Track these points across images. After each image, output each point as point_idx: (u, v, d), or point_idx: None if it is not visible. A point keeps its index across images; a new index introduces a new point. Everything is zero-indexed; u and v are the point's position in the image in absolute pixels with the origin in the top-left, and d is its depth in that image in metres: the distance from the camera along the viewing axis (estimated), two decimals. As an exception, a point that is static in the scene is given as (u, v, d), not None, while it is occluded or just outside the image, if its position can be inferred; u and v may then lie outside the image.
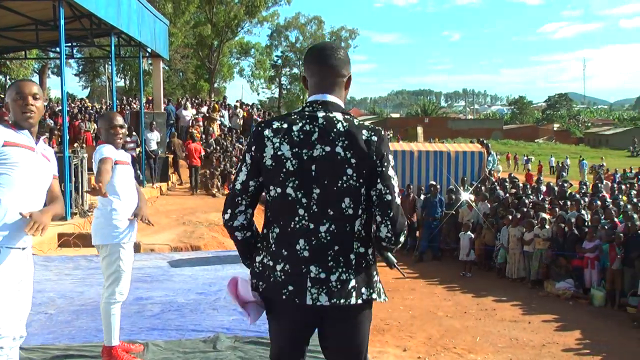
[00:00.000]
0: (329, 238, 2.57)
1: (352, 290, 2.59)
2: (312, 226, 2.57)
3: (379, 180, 2.60)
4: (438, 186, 17.23)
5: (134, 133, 17.69)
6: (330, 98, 2.70)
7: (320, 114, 2.64)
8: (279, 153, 2.57)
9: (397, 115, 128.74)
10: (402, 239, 2.71)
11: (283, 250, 2.61)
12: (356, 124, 2.66)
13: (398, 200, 2.65)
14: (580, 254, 13.23)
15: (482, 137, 29.85)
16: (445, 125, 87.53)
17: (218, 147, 23.76)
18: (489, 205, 16.37)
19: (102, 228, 4.62)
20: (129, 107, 26.36)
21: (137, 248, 10.17)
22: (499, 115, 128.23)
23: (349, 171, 2.55)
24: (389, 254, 2.83)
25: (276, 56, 69.92)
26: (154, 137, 18.60)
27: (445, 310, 12.21)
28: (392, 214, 2.61)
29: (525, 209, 15.07)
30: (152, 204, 16.23)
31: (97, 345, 4.79)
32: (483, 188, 17.80)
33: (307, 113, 2.65)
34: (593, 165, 39.25)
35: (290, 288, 2.57)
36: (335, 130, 2.60)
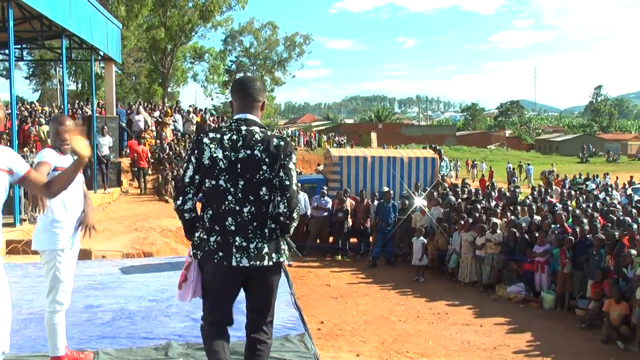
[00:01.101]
0: (250, 217, 3.61)
1: (265, 255, 3.62)
2: (237, 208, 3.60)
3: (282, 170, 3.64)
4: (392, 192, 17.34)
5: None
6: (249, 116, 3.75)
7: (243, 128, 3.68)
8: (214, 155, 3.59)
9: (351, 121, 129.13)
10: (295, 215, 3.71)
11: (215, 226, 3.62)
12: (269, 134, 3.70)
13: (294, 186, 3.70)
14: (531, 258, 13.46)
15: (435, 143, 30.09)
16: (399, 131, 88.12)
17: (171, 153, 23.56)
18: (442, 210, 16.53)
19: (40, 233, 4.56)
20: (80, 111, 25.97)
21: (88, 255, 10.04)
22: (452, 121, 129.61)
23: (265, 167, 3.60)
24: (288, 239, 3.84)
25: (230, 61, 69.64)
26: (105, 142, 18.35)
27: (398, 314, 12.28)
28: (288, 195, 3.65)
29: (477, 214, 15.27)
30: (103, 209, 16.04)
31: (45, 355, 4.72)
32: (436, 193, 17.96)
33: (234, 127, 3.71)
34: (543, 171, 39.87)
35: (220, 254, 3.58)
36: (254, 139, 3.64)
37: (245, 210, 3.59)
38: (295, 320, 5.79)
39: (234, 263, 3.55)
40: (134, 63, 49.91)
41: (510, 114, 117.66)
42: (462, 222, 14.88)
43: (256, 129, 3.69)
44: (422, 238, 15.41)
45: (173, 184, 19.83)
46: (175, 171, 20.88)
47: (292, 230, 3.78)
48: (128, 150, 22.82)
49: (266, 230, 3.64)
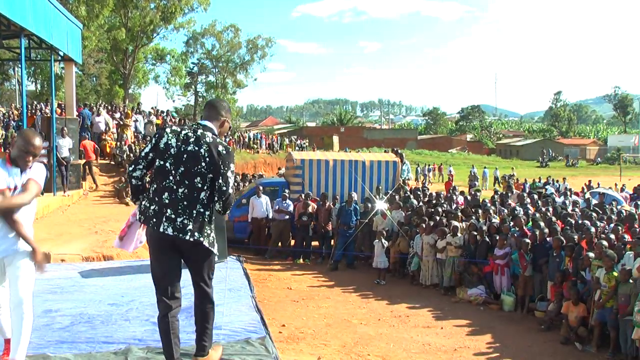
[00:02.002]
0: (182, 197, 4.46)
1: (189, 230, 4.42)
2: (174, 187, 4.47)
3: (221, 177, 4.48)
4: (354, 194, 17.40)
5: (45, 140, 17.19)
6: (209, 124, 4.65)
7: (199, 130, 4.58)
8: (169, 142, 4.52)
9: (313, 124, 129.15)
10: (227, 211, 4.71)
11: (156, 198, 4.50)
12: (218, 141, 4.55)
13: (231, 190, 4.56)
14: (491, 261, 13.62)
15: (397, 147, 30.29)
16: (361, 134, 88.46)
17: (131, 155, 23.35)
18: (403, 214, 16.63)
19: None
20: (39, 112, 25.58)
21: (47, 258, 9.89)
22: (413, 125, 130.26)
23: (203, 163, 4.46)
24: (208, 244, 4.56)
25: (192, 63, 69.19)
26: (65, 144, 18.07)
27: (360, 317, 12.31)
28: (224, 197, 4.52)
29: (438, 217, 15.39)
30: (63, 212, 15.83)
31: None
32: (397, 197, 18.05)
33: (193, 127, 4.63)
34: (504, 175, 40.28)
35: (154, 220, 4.46)
36: (204, 140, 4.51)
37: (180, 190, 4.46)
38: (256, 324, 5.78)
39: (161, 229, 4.41)
40: (95, 64, 49.32)
41: (472, 119, 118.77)
42: (424, 225, 14.98)
43: (209, 134, 4.57)
44: (383, 241, 15.49)
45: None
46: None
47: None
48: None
49: (194, 212, 4.46)
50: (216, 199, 4.54)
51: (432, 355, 10.22)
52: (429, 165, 48.51)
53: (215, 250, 4.61)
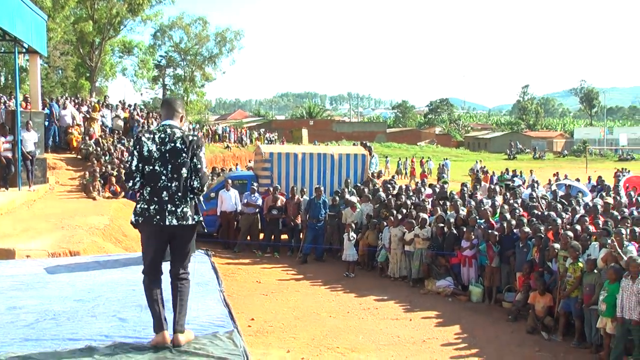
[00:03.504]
0: (176, 190, 5.00)
1: (189, 216, 5.05)
2: (169, 184, 4.99)
3: (195, 157, 5.06)
4: (322, 188, 17.42)
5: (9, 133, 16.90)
6: (172, 122, 5.17)
7: (168, 130, 5.09)
8: (150, 149, 5.00)
9: (282, 118, 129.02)
10: (205, 188, 5.22)
11: (155, 198, 4.98)
12: (186, 133, 5.11)
13: (205, 168, 5.16)
14: (459, 252, 13.73)
15: (366, 140, 30.33)
16: (330, 127, 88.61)
17: (98, 149, 23.11)
18: (372, 207, 16.67)
19: None
20: (4, 106, 25.16)
21: (11, 254, 9.77)
22: (382, 118, 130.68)
23: (183, 154, 5.02)
24: (200, 219, 5.20)
25: (160, 56, 68.65)
26: (30, 137, 17.78)
27: (329, 310, 12.36)
28: (200, 174, 5.08)
29: (406, 210, 15.46)
30: (28, 207, 15.61)
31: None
32: (366, 190, 18.09)
33: (162, 129, 5.11)
34: (472, 167, 40.56)
35: (158, 217, 4.96)
36: (176, 136, 5.05)
37: (173, 185, 5.00)
38: (224, 318, 5.74)
39: (167, 223, 4.95)
40: (61, 56, 48.55)
41: (440, 112, 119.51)
42: (392, 218, 15.04)
43: (176, 130, 5.11)
44: (352, 234, 15.52)
45: (102, 181, 19.45)
46: (104, 168, 20.47)
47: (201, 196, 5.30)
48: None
49: (188, 199, 5.06)
50: (193, 176, 5.07)
51: (401, 346, 10.30)
52: (408, 158, 48.38)
53: (203, 223, 5.27)
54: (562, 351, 10.25)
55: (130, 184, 5.12)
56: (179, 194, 5.02)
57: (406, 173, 43.96)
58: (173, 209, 5.00)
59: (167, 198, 4.99)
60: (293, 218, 17.58)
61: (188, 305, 5.17)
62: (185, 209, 5.03)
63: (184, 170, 5.03)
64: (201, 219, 5.20)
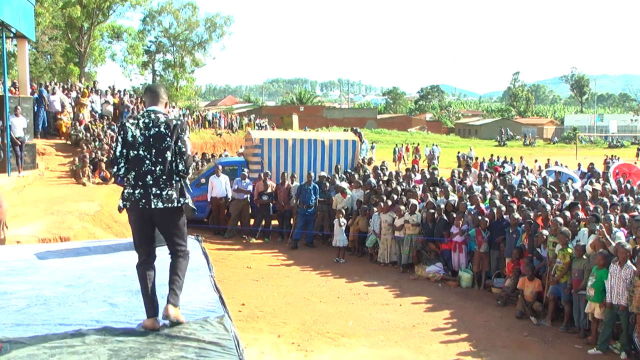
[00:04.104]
0: (160, 173, 5.07)
1: (175, 199, 5.11)
2: (153, 168, 5.07)
3: (179, 141, 5.13)
4: (312, 174, 17.43)
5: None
6: (156, 108, 5.26)
7: (152, 115, 5.17)
8: (134, 134, 5.09)
9: (272, 104, 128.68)
10: (190, 171, 5.25)
11: (139, 182, 5.06)
12: (170, 118, 5.19)
13: (189, 152, 5.20)
14: (449, 238, 13.79)
15: (357, 126, 30.25)
16: (321, 114, 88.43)
17: (88, 134, 23.02)
18: (363, 193, 16.70)
19: None
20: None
21: (1, 240, 9.75)
22: (373, 105, 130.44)
23: (168, 139, 5.09)
24: (189, 203, 5.23)
25: (150, 41, 68.13)
26: (19, 123, 17.71)
27: (319, 295, 12.41)
28: (185, 157, 5.14)
29: (396, 196, 15.49)
30: (18, 193, 15.57)
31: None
32: (357, 176, 18.12)
33: (145, 114, 5.20)
34: (462, 153, 40.63)
35: (143, 201, 5.04)
36: (159, 121, 5.13)
37: (158, 169, 5.07)
38: (215, 303, 5.75)
39: (152, 206, 5.03)
40: (49, 41, 48.17)
41: (431, 98, 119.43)
42: (382, 204, 15.07)
43: (160, 115, 5.20)
44: (342, 220, 15.56)
45: (91, 167, 19.40)
46: (94, 154, 20.40)
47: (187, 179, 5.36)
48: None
49: (173, 182, 5.12)
50: (178, 159, 5.15)
51: (391, 331, 10.35)
52: (403, 145, 48.31)
53: (192, 205, 5.31)
54: (550, 336, 10.33)
55: (114, 170, 5.21)
56: (164, 177, 5.10)
57: (402, 160, 43.82)
58: (158, 192, 5.07)
59: (151, 182, 5.07)
60: (283, 204, 17.59)
61: (183, 282, 5.27)
62: (170, 192, 5.11)
63: (168, 154, 5.11)
64: (188, 201, 5.24)
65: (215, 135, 42.72)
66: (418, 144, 49.92)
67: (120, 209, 5.24)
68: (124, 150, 5.11)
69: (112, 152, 6.04)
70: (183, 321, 5.13)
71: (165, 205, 5.07)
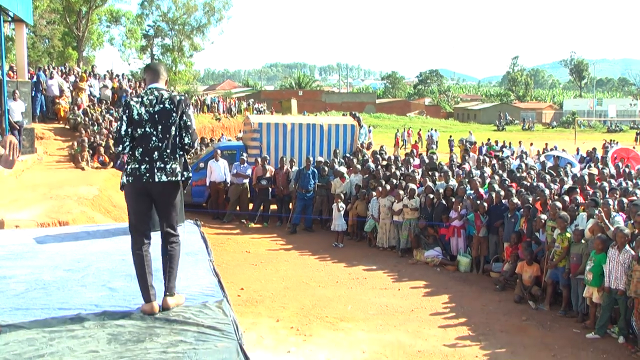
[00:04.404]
0: (165, 147, 5.14)
1: (178, 172, 5.21)
2: (159, 144, 5.13)
3: (185, 116, 5.23)
4: (311, 158, 17.42)
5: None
6: (158, 85, 5.34)
7: (155, 92, 5.24)
8: (140, 112, 5.13)
9: (271, 88, 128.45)
10: (195, 144, 5.39)
11: (146, 158, 5.11)
12: (173, 94, 5.27)
13: (194, 125, 5.37)
14: (447, 223, 13.80)
15: (356, 111, 30.23)
16: (319, 98, 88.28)
17: (87, 119, 22.97)
18: (361, 177, 16.69)
19: None
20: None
21: (0, 225, 9.76)
22: (372, 89, 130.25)
23: (173, 114, 5.17)
24: (190, 175, 5.37)
25: (148, 26, 67.79)
26: (17, 107, 17.67)
27: (318, 280, 12.43)
28: (190, 130, 5.27)
29: (395, 181, 15.49)
30: (16, 177, 15.56)
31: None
32: (355, 160, 18.10)
33: (149, 92, 5.25)
34: (461, 138, 40.61)
35: (148, 175, 5.09)
36: (163, 98, 5.20)
37: (163, 144, 5.14)
38: (214, 287, 5.76)
39: (157, 179, 5.09)
40: (47, 25, 47.88)
41: (430, 83, 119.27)
42: (380, 189, 15.07)
43: (163, 92, 5.27)
44: (341, 204, 15.56)
45: (90, 151, 19.38)
46: (93, 138, 20.37)
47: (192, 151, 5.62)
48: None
49: (177, 156, 5.22)
50: (184, 133, 5.25)
51: (390, 316, 10.38)
52: (405, 129, 48.23)
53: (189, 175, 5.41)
54: (548, 320, 10.35)
55: (119, 149, 5.23)
56: (168, 151, 5.17)
57: (404, 144, 43.75)
58: (162, 165, 5.14)
59: (156, 157, 5.13)
60: (282, 188, 17.59)
61: (178, 270, 5.30)
62: (174, 166, 5.19)
63: (173, 129, 5.19)
64: (190, 175, 5.38)
65: (214, 119, 42.63)
66: (420, 129, 49.91)
67: (122, 187, 5.27)
68: (129, 129, 5.15)
69: (114, 131, 6.27)
70: (183, 302, 5.26)
71: (169, 178, 5.15)
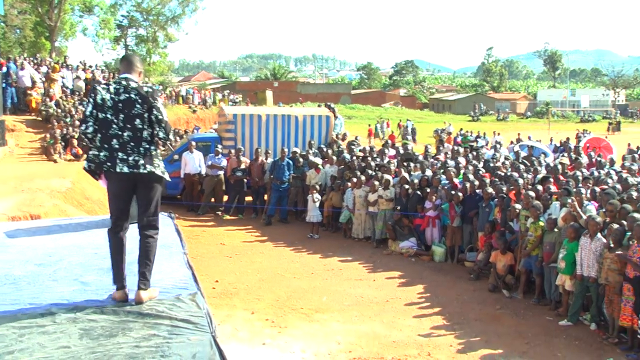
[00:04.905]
0: (127, 139, 5.12)
1: (141, 165, 5.11)
2: (120, 133, 5.11)
3: (154, 109, 5.18)
4: (286, 150, 17.39)
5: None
6: (129, 76, 5.29)
7: (124, 82, 5.21)
8: (104, 97, 5.13)
9: (246, 79, 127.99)
10: (170, 136, 5.37)
11: (105, 145, 5.10)
12: (141, 85, 5.25)
13: (166, 117, 5.29)
14: (422, 213, 13.84)
15: (331, 102, 30.21)
16: (295, 89, 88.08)
17: (59, 110, 22.73)
18: (337, 168, 16.69)
19: None
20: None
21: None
22: (347, 80, 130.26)
23: (138, 106, 5.14)
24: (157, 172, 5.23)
25: (122, 16, 67.22)
26: (-12, 99, 17.50)
27: (293, 271, 12.43)
28: (163, 124, 5.22)
29: (370, 171, 15.51)
30: (-13, 170, 15.37)
31: None
32: (330, 151, 18.09)
33: (118, 80, 5.26)
34: (436, 129, 40.75)
35: (109, 164, 5.08)
36: (130, 88, 5.17)
37: (125, 134, 5.13)
38: (188, 280, 5.73)
39: (118, 170, 5.07)
40: (18, 15, 47.26)
41: (405, 74, 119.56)
42: (355, 180, 15.08)
43: (132, 82, 5.24)
44: (316, 195, 15.55)
45: (63, 143, 19.20)
46: (65, 130, 20.18)
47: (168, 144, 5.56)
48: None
49: (141, 149, 5.15)
50: (157, 127, 5.22)
51: (365, 306, 10.41)
52: (385, 120, 48.30)
53: (167, 177, 5.38)
54: (522, 308, 10.45)
55: (83, 128, 5.24)
56: (132, 143, 5.15)
57: (382, 137, 43.77)
58: (124, 157, 5.11)
59: (117, 146, 5.12)
60: (257, 180, 17.54)
61: (153, 265, 5.29)
62: (137, 158, 5.14)
63: (138, 122, 5.17)
64: (153, 170, 5.23)
65: (190, 111, 42.37)
66: (400, 120, 50.06)
67: (85, 170, 5.29)
68: (94, 111, 5.17)
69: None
70: (156, 295, 5.20)
71: (130, 170, 5.12)
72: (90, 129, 5.18)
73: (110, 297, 5.16)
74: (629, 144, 26.05)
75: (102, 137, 5.14)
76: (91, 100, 5.19)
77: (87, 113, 5.19)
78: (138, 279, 5.15)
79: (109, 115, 5.13)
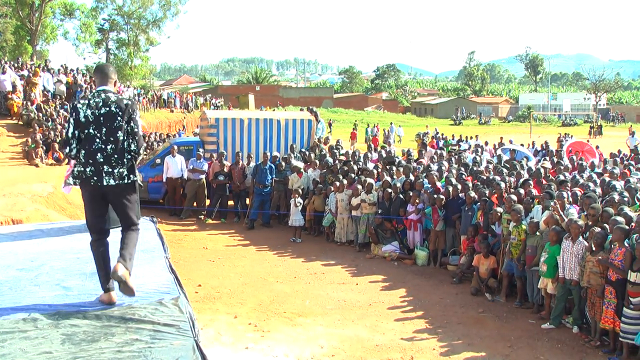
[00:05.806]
0: (111, 152, 5.19)
1: (125, 176, 5.23)
2: (103, 147, 5.18)
3: (132, 121, 5.29)
4: (268, 154, 17.38)
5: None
6: (106, 87, 5.37)
7: (102, 95, 5.27)
8: (86, 114, 5.19)
9: (228, 83, 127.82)
10: (141, 150, 5.40)
11: (90, 160, 5.17)
12: (120, 98, 5.32)
13: (141, 132, 5.38)
14: (405, 217, 13.87)
15: (313, 106, 30.20)
16: (277, 93, 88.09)
17: (40, 114, 22.59)
18: (319, 172, 16.69)
19: None
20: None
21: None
22: (329, 84, 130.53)
23: (119, 119, 5.21)
24: (136, 178, 5.37)
25: (103, 19, 67.01)
26: (-33, 104, 17.37)
27: (276, 275, 12.41)
28: (137, 138, 5.30)
29: (353, 175, 15.52)
30: (-33, 174, 15.25)
31: None
32: (312, 155, 18.10)
33: (96, 94, 5.30)
34: (418, 132, 40.86)
35: (95, 178, 5.15)
36: (110, 101, 5.23)
37: (109, 148, 5.19)
38: (170, 284, 5.71)
39: (104, 183, 5.16)
40: (-1, 19, 47.09)
41: (387, 77, 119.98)
42: (337, 184, 15.09)
43: (111, 94, 5.32)
44: (299, 199, 15.55)
45: (44, 148, 19.08)
46: (47, 134, 20.06)
47: (139, 159, 5.60)
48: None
49: (125, 160, 5.26)
50: (130, 139, 5.30)
51: (348, 310, 10.41)
52: (375, 126, 48.34)
53: (139, 181, 5.53)
54: (505, 311, 10.49)
55: (67, 151, 5.35)
56: (115, 156, 5.23)
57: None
58: (110, 170, 5.20)
59: (102, 160, 5.19)
60: (238, 184, 17.51)
61: (134, 251, 5.35)
62: (121, 170, 5.24)
63: (120, 134, 5.25)
64: (136, 179, 5.39)
65: (181, 114, 42.22)
66: (392, 123, 50.20)
67: (69, 185, 5.61)
68: (76, 132, 5.23)
69: (64, 133, 6.03)
70: (131, 285, 5.04)
71: (117, 182, 5.21)
72: (74, 151, 5.28)
73: (94, 302, 5.14)
74: (619, 151, 25.84)
75: (86, 153, 5.21)
76: (72, 121, 5.26)
77: (69, 135, 5.25)
78: (119, 255, 5.17)
79: (91, 130, 5.21)
